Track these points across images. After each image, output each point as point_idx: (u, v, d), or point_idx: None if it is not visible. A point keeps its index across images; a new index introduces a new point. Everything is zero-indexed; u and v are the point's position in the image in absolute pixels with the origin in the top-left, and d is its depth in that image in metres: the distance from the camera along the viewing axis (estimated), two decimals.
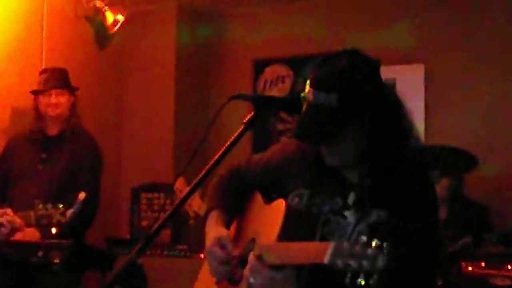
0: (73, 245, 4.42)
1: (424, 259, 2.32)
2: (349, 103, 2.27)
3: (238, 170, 2.79)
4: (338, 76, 2.29)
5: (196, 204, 5.01)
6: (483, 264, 4.63)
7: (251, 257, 2.35)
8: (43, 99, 4.91)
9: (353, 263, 1.86)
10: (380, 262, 1.84)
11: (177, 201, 2.31)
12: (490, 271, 4.60)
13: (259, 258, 2.32)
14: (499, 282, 4.57)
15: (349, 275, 1.87)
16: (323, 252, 1.96)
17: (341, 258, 1.89)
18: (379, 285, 1.85)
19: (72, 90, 4.99)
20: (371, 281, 1.85)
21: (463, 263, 4.64)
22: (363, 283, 1.85)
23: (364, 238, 1.88)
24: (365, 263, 1.85)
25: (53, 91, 4.90)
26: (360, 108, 2.28)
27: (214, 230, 2.63)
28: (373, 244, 1.86)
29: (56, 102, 4.90)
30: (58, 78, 4.96)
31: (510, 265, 4.58)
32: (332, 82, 2.29)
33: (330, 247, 1.94)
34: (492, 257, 4.72)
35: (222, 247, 2.56)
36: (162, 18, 7.26)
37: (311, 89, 2.32)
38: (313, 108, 2.31)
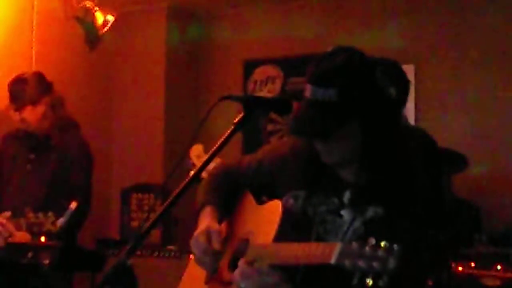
0: (63, 246, 4.41)
1: (421, 255, 2.32)
2: (348, 98, 2.27)
3: (229, 169, 2.79)
4: (337, 72, 2.30)
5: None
6: (473, 264, 4.64)
7: (241, 262, 2.35)
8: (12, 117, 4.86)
9: (362, 263, 1.86)
10: (392, 263, 1.84)
11: (167, 202, 2.31)
12: (480, 271, 4.61)
13: (249, 263, 2.32)
14: (489, 282, 4.58)
15: (357, 275, 1.87)
16: (329, 252, 1.96)
17: (350, 258, 1.89)
18: (389, 287, 1.85)
19: (33, 102, 4.78)
20: (380, 283, 1.85)
21: (453, 263, 4.64)
22: (371, 283, 1.86)
23: (373, 240, 1.88)
24: (375, 264, 1.85)
25: (14, 113, 4.82)
26: (358, 104, 2.29)
27: (207, 222, 2.63)
28: (383, 245, 1.86)
29: (19, 118, 4.82)
30: (13, 95, 4.80)
31: (500, 265, 4.59)
32: (330, 78, 2.29)
33: (337, 247, 1.95)
34: (482, 257, 4.73)
35: (208, 238, 2.56)
36: (152, 18, 7.25)
37: (309, 85, 2.32)
38: (311, 104, 2.31)
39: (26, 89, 4.79)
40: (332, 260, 1.94)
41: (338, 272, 1.92)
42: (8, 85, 4.87)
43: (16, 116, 4.80)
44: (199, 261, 2.61)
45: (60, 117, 4.88)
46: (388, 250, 1.85)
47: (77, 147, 4.90)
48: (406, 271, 1.90)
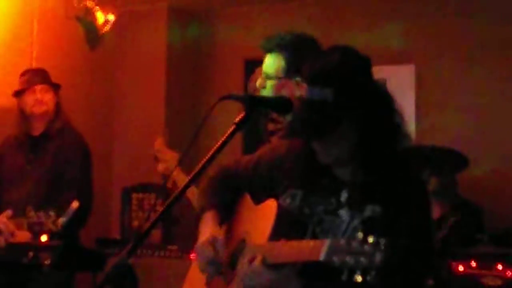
0: (64, 246, 4.41)
1: (419, 253, 2.32)
2: (344, 97, 2.27)
3: (227, 171, 2.78)
4: (332, 71, 2.30)
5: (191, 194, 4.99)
6: (474, 264, 4.63)
7: (256, 260, 2.34)
8: (28, 97, 4.88)
9: (350, 259, 1.86)
10: (378, 258, 1.83)
11: (167, 200, 2.31)
12: (481, 271, 4.60)
13: (263, 260, 2.31)
14: (490, 282, 4.57)
15: (346, 272, 1.87)
16: (318, 249, 1.96)
17: (338, 254, 1.89)
18: (377, 282, 1.85)
19: (56, 87, 4.97)
20: (368, 278, 1.85)
21: (453, 263, 4.64)
22: (360, 279, 1.85)
23: (360, 235, 1.88)
24: (362, 259, 1.84)
25: (38, 88, 4.88)
26: (354, 103, 2.29)
27: (210, 228, 2.62)
28: (370, 240, 1.86)
29: (42, 98, 4.86)
30: (41, 76, 4.95)
31: (501, 265, 4.59)
32: (326, 78, 2.29)
33: (325, 244, 1.95)
34: (483, 256, 4.72)
35: (214, 247, 2.56)
36: (153, 18, 7.25)
37: (305, 85, 2.32)
38: (308, 104, 2.31)
39: (48, 76, 5.00)
40: (321, 257, 1.94)
41: (329, 268, 1.92)
42: (29, 70, 5.08)
43: (37, 95, 4.86)
44: (203, 270, 2.61)
45: (62, 116, 4.93)
46: (375, 244, 1.85)
47: (72, 142, 4.92)
48: (394, 266, 1.90)
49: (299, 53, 3.09)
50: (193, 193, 4.55)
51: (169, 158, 4.35)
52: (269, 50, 3.19)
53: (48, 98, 4.89)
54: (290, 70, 3.07)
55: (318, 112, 2.29)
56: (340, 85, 2.28)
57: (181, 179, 4.31)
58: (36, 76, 4.93)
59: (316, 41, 3.19)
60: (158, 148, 4.93)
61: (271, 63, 3.16)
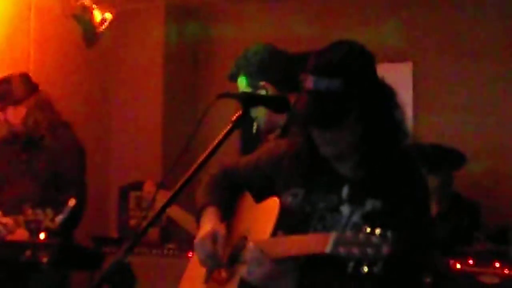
0: (61, 245, 4.40)
1: (419, 247, 2.33)
2: (352, 88, 2.28)
3: (228, 170, 2.79)
4: (341, 62, 2.32)
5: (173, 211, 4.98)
6: (471, 261, 4.64)
7: (252, 248, 2.35)
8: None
9: (356, 251, 1.87)
10: (385, 249, 1.85)
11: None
12: (479, 269, 4.61)
13: (261, 249, 2.32)
14: (487, 279, 4.58)
15: (351, 263, 1.88)
16: (324, 242, 1.97)
17: (344, 246, 1.90)
18: (384, 273, 1.86)
19: (15, 102, 4.77)
20: (375, 269, 1.85)
21: (451, 261, 4.64)
22: (366, 270, 1.86)
23: (367, 227, 1.89)
24: (369, 250, 1.86)
25: (8, 111, 4.82)
26: (361, 94, 2.30)
27: (212, 223, 2.63)
28: (377, 232, 1.87)
29: (2, 119, 4.81)
30: (3, 96, 4.83)
31: (498, 263, 4.59)
32: (335, 68, 2.31)
33: (331, 236, 1.96)
34: (480, 254, 4.73)
35: (214, 241, 2.56)
36: (150, 16, 7.25)
37: (311, 76, 2.32)
38: (315, 95, 2.31)
39: (9, 89, 4.79)
40: (327, 250, 1.95)
41: (335, 261, 1.93)
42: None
43: (0, 116, 4.80)
44: (202, 263, 2.61)
45: (48, 117, 4.85)
46: (382, 236, 1.87)
47: (66, 142, 4.87)
48: (400, 258, 1.91)
49: (249, 63, 3.28)
50: (173, 210, 4.56)
51: (160, 199, 4.41)
52: (234, 78, 3.36)
53: (9, 116, 4.78)
54: (253, 81, 3.23)
55: (326, 102, 2.29)
56: (349, 76, 2.29)
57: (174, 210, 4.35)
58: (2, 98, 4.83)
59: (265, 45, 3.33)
60: (147, 190, 4.96)
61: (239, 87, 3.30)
